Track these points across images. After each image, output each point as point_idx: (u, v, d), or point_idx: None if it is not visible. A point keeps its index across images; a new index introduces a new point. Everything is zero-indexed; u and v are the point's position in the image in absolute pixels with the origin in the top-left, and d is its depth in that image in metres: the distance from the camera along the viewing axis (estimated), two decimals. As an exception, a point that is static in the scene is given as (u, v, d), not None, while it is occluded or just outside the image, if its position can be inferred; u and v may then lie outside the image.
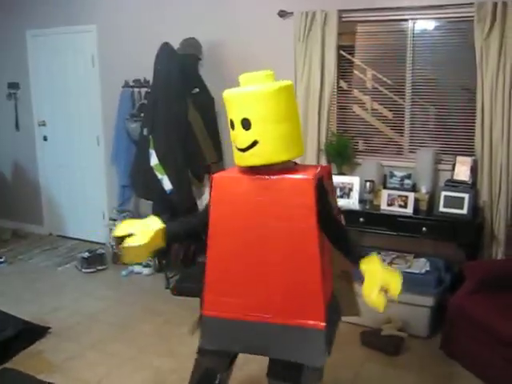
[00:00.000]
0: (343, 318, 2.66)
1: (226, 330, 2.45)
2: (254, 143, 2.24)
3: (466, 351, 3.47)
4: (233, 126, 2.30)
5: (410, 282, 3.81)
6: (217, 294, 2.44)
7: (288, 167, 2.34)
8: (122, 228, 2.42)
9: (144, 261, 2.39)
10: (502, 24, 3.76)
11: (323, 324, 2.23)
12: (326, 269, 2.40)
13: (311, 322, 2.24)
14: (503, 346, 3.13)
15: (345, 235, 2.40)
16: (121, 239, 2.40)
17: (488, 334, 3.24)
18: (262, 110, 2.22)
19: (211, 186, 2.43)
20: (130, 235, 2.38)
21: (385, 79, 4.57)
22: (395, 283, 2.12)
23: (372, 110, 4.72)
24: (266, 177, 2.31)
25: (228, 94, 2.30)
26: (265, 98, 2.22)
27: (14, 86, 6.35)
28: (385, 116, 4.66)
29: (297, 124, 2.36)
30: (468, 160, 4.05)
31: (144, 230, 2.39)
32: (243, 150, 2.27)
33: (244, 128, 2.24)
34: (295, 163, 2.43)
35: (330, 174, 2.63)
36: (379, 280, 2.13)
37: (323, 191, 2.33)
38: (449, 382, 3.37)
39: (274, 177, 2.30)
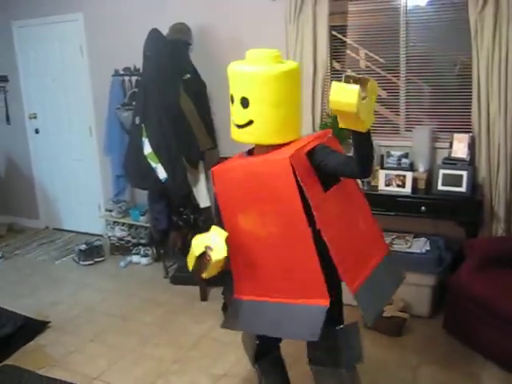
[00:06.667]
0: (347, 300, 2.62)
1: (238, 311, 2.53)
2: (250, 122, 2.27)
3: (468, 330, 3.45)
4: (232, 101, 2.33)
5: (411, 262, 3.81)
6: (236, 278, 2.55)
7: (279, 146, 2.32)
8: (197, 246, 2.38)
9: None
10: (497, -4, 3.69)
11: (326, 301, 2.21)
12: (349, 237, 2.39)
13: (313, 301, 2.24)
14: (504, 324, 3.12)
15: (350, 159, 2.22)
16: (199, 257, 2.38)
17: (489, 311, 3.22)
18: (260, 91, 2.23)
19: (213, 179, 2.50)
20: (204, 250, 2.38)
21: (378, 58, 4.49)
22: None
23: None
24: (251, 159, 2.39)
25: (231, 70, 2.32)
26: (265, 80, 2.22)
27: (2, 78, 6.25)
28: (379, 95, 4.59)
29: (296, 108, 2.37)
30: (465, 137, 3.99)
31: (217, 243, 2.36)
32: (239, 127, 2.32)
33: (242, 106, 2.27)
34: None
35: (330, 138, 2.56)
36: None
37: (315, 155, 2.27)
38: (452, 361, 3.35)
39: (255, 160, 2.35)
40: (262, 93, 2.23)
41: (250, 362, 2.82)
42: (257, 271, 2.45)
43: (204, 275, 2.43)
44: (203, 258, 2.37)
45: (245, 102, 2.25)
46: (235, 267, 2.54)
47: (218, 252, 2.32)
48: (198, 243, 2.39)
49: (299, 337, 2.38)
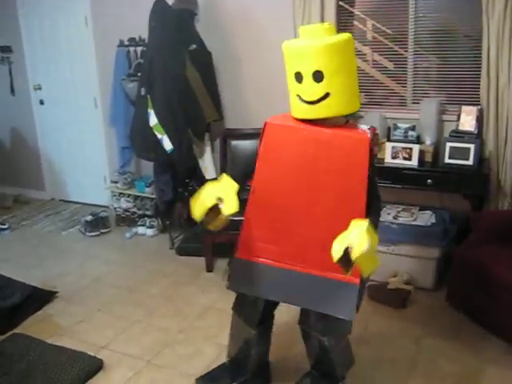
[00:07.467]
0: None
1: (257, 275, 2.46)
2: (326, 95, 2.27)
3: (471, 302, 3.47)
4: (300, 79, 2.29)
5: (416, 235, 3.83)
6: (253, 238, 2.46)
7: (340, 123, 2.40)
8: (209, 196, 2.31)
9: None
10: (509, -34, 3.62)
11: (358, 280, 2.26)
12: None
13: (347, 277, 2.25)
14: (508, 296, 3.13)
15: (376, 198, 2.47)
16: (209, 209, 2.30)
17: (493, 284, 3.23)
18: (334, 62, 2.24)
19: (263, 133, 2.43)
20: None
21: (385, 29, 4.43)
22: (359, 246, 2.05)
23: (373, 61, 4.60)
24: (325, 130, 2.35)
25: (295, 47, 2.29)
26: (337, 50, 2.24)
27: (6, 49, 6.19)
28: (386, 67, 4.55)
29: (356, 77, 2.40)
30: (473, 109, 3.96)
31: (230, 195, 2.30)
32: (313, 103, 2.29)
33: (316, 80, 2.25)
34: (347, 120, 2.47)
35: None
36: (349, 238, 2.10)
37: (372, 152, 2.38)
38: (455, 333, 3.38)
39: (331, 131, 2.34)
40: (335, 62, 2.24)
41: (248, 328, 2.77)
42: (285, 237, 2.41)
43: (210, 227, 2.37)
44: (213, 209, 2.29)
45: (318, 76, 2.24)
46: (254, 228, 2.44)
47: (230, 206, 2.27)
48: (210, 193, 2.31)
49: (331, 312, 2.38)
